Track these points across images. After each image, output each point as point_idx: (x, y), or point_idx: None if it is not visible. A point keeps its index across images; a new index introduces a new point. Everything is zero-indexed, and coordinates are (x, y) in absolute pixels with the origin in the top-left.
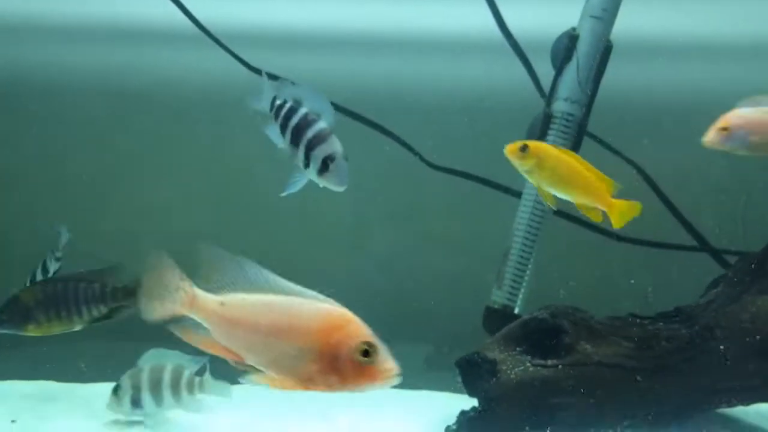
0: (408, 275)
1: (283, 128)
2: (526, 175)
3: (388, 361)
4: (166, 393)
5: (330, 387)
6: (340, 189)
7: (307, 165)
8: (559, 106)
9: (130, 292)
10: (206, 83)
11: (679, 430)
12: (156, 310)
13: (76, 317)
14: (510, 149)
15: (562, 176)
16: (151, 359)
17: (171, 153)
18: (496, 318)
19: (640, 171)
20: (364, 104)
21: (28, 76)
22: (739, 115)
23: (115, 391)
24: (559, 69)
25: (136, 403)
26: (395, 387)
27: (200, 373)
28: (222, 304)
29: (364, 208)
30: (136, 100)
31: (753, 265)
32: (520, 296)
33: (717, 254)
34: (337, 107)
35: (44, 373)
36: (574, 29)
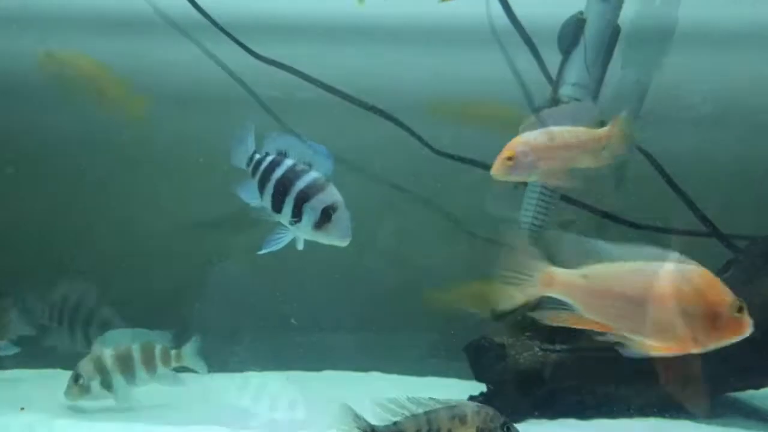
0: (412, 262)
1: (263, 182)
2: None
3: (746, 314)
4: (139, 369)
5: (707, 344)
6: (343, 243)
7: (297, 218)
8: (567, 91)
9: None
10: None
11: (690, 414)
12: (514, 296)
13: None
14: None
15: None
16: (107, 342)
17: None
18: None
19: (648, 156)
20: (366, 91)
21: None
22: (523, 141)
23: (76, 379)
24: (566, 53)
25: (107, 385)
26: (401, 374)
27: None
28: (585, 276)
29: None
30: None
31: (764, 249)
32: None
33: (725, 239)
34: (343, 95)
35: (53, 361)
36: (581, 13)
